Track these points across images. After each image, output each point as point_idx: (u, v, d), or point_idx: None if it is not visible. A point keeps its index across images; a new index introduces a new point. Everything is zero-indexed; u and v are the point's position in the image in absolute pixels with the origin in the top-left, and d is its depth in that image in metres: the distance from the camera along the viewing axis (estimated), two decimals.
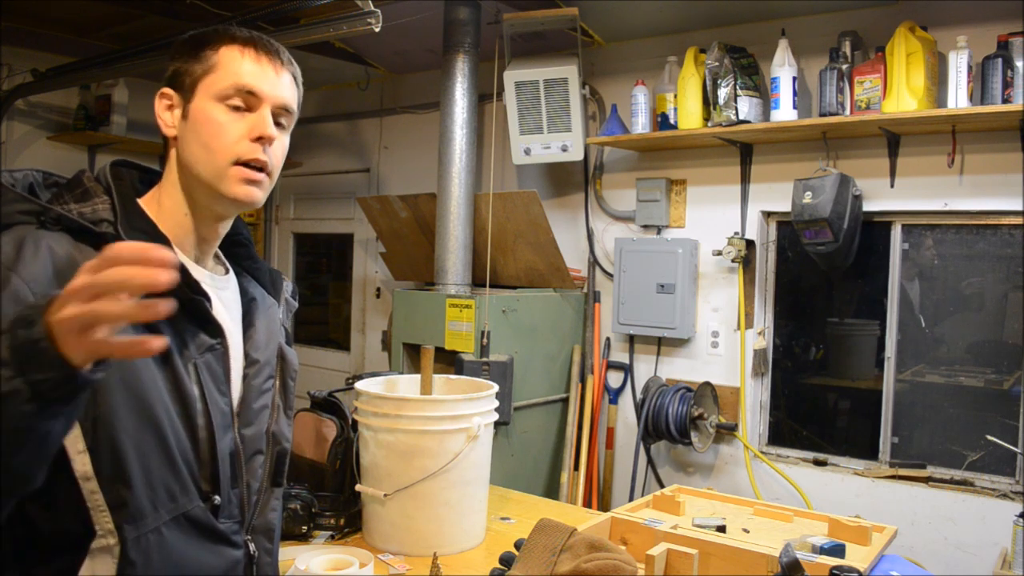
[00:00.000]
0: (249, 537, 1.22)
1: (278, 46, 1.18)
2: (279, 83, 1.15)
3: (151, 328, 1.07)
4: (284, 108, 1.16)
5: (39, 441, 0.86)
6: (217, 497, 1.13)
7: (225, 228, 1.22)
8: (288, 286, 1.40)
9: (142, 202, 1.16)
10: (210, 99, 1.12)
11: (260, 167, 1.13)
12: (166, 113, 1.16)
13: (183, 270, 1.09)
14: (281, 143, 1.18)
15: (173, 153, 1.16)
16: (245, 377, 1.23)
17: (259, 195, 1.15)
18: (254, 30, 1.19)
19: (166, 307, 0.81)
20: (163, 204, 1.17)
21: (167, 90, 1.16)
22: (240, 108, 1.13)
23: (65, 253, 1.03)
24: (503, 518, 2.30)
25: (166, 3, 3.48)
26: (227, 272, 1.28)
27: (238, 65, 1.13)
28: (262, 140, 1.12)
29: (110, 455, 1.01)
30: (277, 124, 1.16)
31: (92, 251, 1.06)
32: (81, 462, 1.00)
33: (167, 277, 0.80)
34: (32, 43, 4.29)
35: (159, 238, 1.11)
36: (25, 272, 0.99)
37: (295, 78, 1.20)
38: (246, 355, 1.24)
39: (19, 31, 4.04)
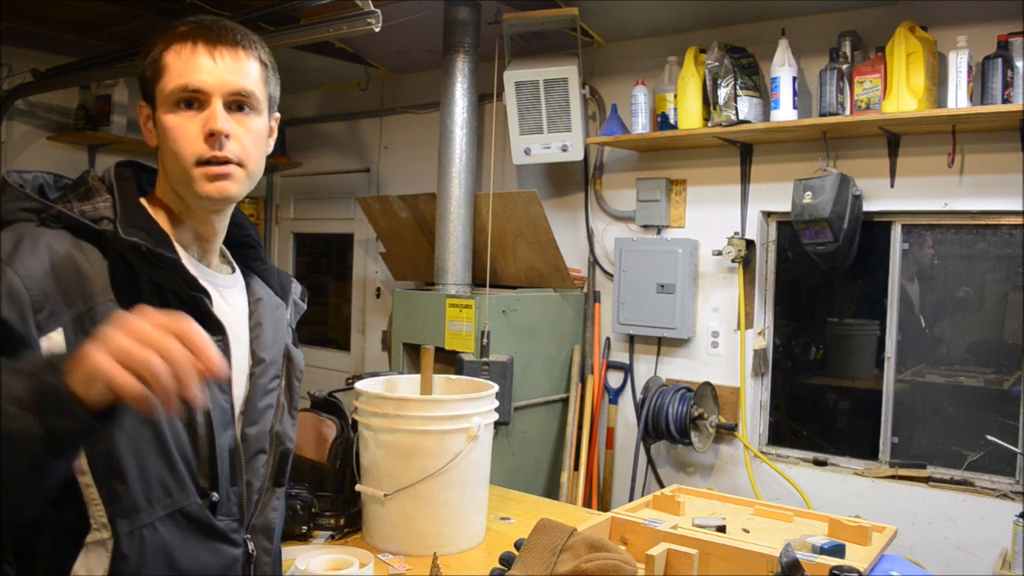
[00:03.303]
0: (248, 536, 1.22)
1: (223, 29, 1.13)
2: (225, 70, 1.10)
3: None
4: (238, 93, 1.12)
5: (43, 478, 0.90)
6: (215, 494, 1.13)
7: (222, 225, 1.22)
8: (297, 288, 1.41)
9: (147, 201, 1.17)
10: (165, 106, 1.11)
11: (223, 161, 1.11)
12: (145, 126, 1.17)
13: (179, 267, 1.10)
14: (248, 129, 1.14)
15: (160, 158, 1.17)
16: (251, 376, 1.24)
17: (231, 188, 1.13)
18: (207, 16, 1.15)
19: (181, 411, 0.87)
20: (160, 205, 1.18)
21: (141, 103, 1.17)
22: (193, 105, 1.11)
23: (64, 250, 1.04)
24: (503, 518, 2.30)
25: (166, 3, 3.48)
26: (233, 271, 1.28)
27: (180, 64, 1.10)
28: (214, 136, 1.10)
29: (104, 449, 1.02)
30: (239, 109, 1.13)
31: (92, 248, 1.07)
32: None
33: (200, 403, 0.87)
34: (32, 43, 4.29)
35: (158, 235, 1.11)
36: (20, 267, 0.99)
37: (255, 56, 1.15)
38: (252, 354, 1.25)
39: (19, 31, 4.03)
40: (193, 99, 1.10)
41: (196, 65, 1.10)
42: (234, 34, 1.13)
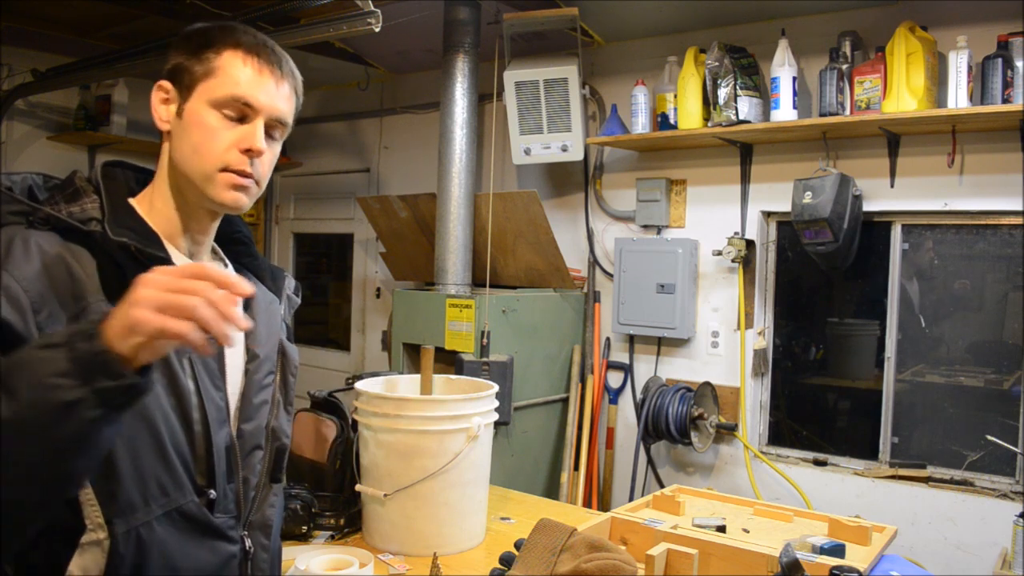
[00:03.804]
0: (246, 533, 1.22)
1: (282, 55, 1.17)
2: (277, 95, 1.15)
3: None
4: (278, 120, 1.16)
5: (96, 446, 0.92)
6: (213, 492, 1.13)
7: (215, 225, 1.22)
8: (290, 283, 1.41)
9: (135, 201, 1.17)
10: (206, 103, 1.12)
11: (248, 175, 1.14)
12: (161, 106, 1.16)
13: (169, 264, 1.10)
14: (271, 153, 1.17)
15: (166, 147, 1.16)
16: (246, 372, 1.24)
17: (245, 200, 1.15)
18: (259, 32, 1.18)
19: (234, 340, 0.89)
20: (155, 201, 1.17)
21: (165, 83, 1.15)
22: (234, 116, 1.12)
23: (54, 251, 1.04)
24: (503, 518, 2.30)
25: (166, 3, 3.48)
26: (225, 267, 1.28)
27: (238, 74, 1.12)
28: (250, 152, 1.12)
29: None
30: (269, 136, 1.16)
31: (81, 249, 1.07)
32: None
33: (244, 324, 0.90)
34: (32, 43, 4.29)
35: (148, 235, 1.11)
36: (16, 271, 1.00)
37: (295, 89, 1.20)
38: (247, 350, 1.25)
39: (19, 31, 4.03)
40: (238, 111, 1.12)
41: (258, 83, 1.13)
42: (288, 64, 1.18)
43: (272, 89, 1.14)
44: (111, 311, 0.88)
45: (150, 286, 0.87)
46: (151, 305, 0.86)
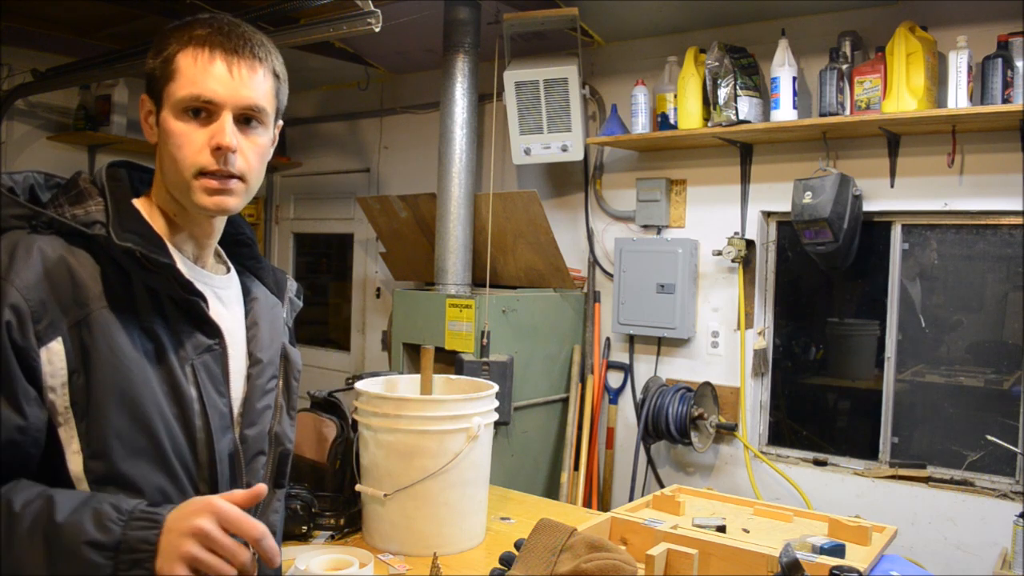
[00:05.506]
0: None
1: (242, 38, 1.10)
2: (240, 84, 1.08)
3: (144, 328, 1.07)
4: (250, 108, 1.10)
5: None
6: None
7: (218, 228, 1.21)
8: (292, 286, 1.39)
9: (139, 203, 1.15)
10: (171, 110, 1.09)
11: (226, 175, 1.09)
12: (147, 121, 1.14)
13: (174, 271, 1.09)
14: (253, 143, 1.12)
15: (158, 157, 1.15)
16: (249, 377, 1.22)
17: (230, 202, 1.11)
18: (223, 17, 1.11)
19: None
20: (155, 205, 1.16)
21: (144, 96, 1.14)
22: (202, 114, 1.08)
23: (56, 255, 1.03)
24: (503, 518, 2.30)
25: (166, 3, 3.48)
26: (228, 271, 1.27)
27: (193, 71, 1.07)
28: (220, 150, 1.08)
29: (100, 457, 1.02)
30: (247, 123, 1.11)
31: (84, 253, 1.05)
32: (75, 463, 1.01)
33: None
34: (32, 43, 4.29)
35: (152, 239, 1.10)
36: (18, 280, 0.99)
37: (270, 69, 1.13)
38: (250, 354, 1.23)
39: (19, 31, 4.03)
40: (202, 108, 1.08)
41: (211, 75, 1.07)
42: (252, 46, 1.11)
43: (229, 79, 1.08)
44: (161, 533, 0.94)
45: (205, 530, 0.94)
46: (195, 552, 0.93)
